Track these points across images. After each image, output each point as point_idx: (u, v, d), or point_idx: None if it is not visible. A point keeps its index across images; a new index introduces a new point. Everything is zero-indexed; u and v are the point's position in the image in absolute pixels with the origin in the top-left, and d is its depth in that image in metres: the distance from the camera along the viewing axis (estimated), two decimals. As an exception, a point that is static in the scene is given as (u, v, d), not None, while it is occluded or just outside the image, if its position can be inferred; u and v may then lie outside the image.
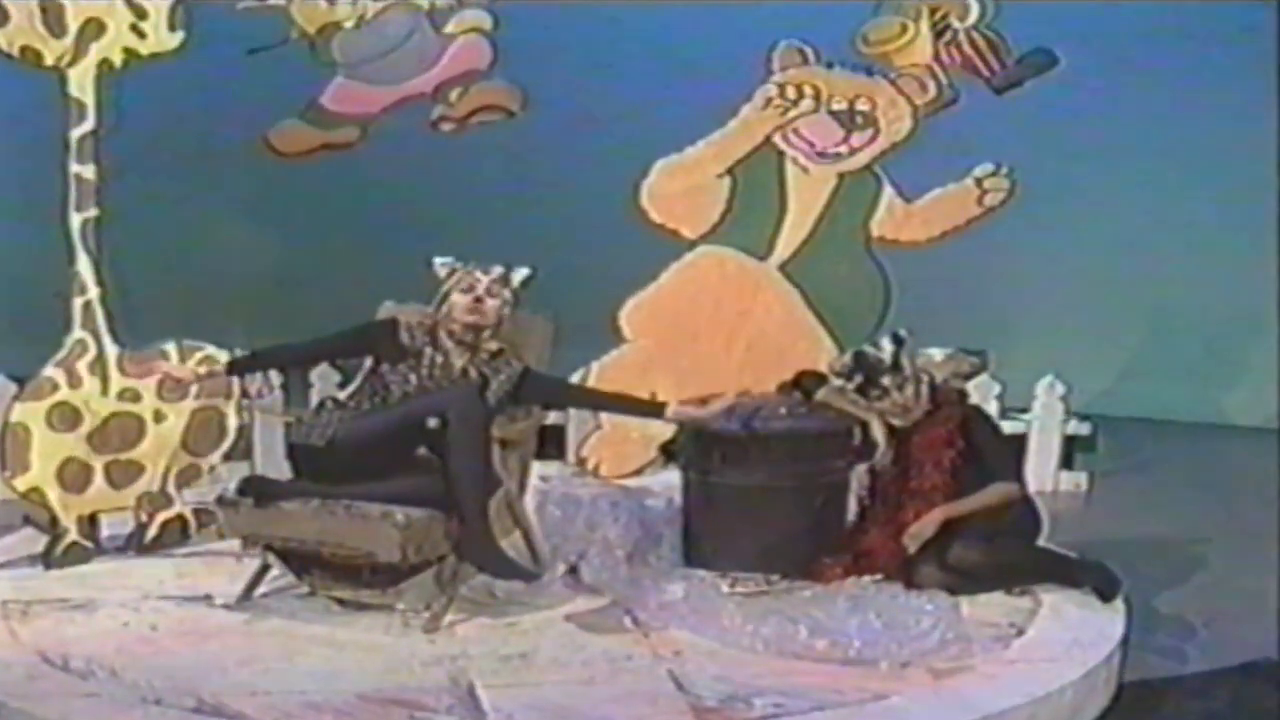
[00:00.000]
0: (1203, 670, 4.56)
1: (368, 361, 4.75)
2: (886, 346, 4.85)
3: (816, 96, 5.89)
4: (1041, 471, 6.31)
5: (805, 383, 5.02)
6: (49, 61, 4.86)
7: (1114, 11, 6.71)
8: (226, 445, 5.21)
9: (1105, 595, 4.69)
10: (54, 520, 4.95)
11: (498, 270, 4.72)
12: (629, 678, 4.16)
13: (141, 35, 4.95)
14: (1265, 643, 4.71)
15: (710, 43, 6.64)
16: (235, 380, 5.06)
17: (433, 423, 4.45)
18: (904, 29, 5.88)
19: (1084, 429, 6.60)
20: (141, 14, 4.94)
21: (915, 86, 5.88)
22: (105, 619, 4.50)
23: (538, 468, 5.18)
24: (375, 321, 4.83)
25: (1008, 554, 4.75)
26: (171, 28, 5.00)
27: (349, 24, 5.92)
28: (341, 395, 4.81)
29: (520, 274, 4.76)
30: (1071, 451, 6.58)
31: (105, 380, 4.99)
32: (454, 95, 6.06)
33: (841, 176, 5.96)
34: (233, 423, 5.20)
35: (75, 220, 4.93)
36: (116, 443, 5.01)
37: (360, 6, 5.91)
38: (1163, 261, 7.48)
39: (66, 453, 4.93)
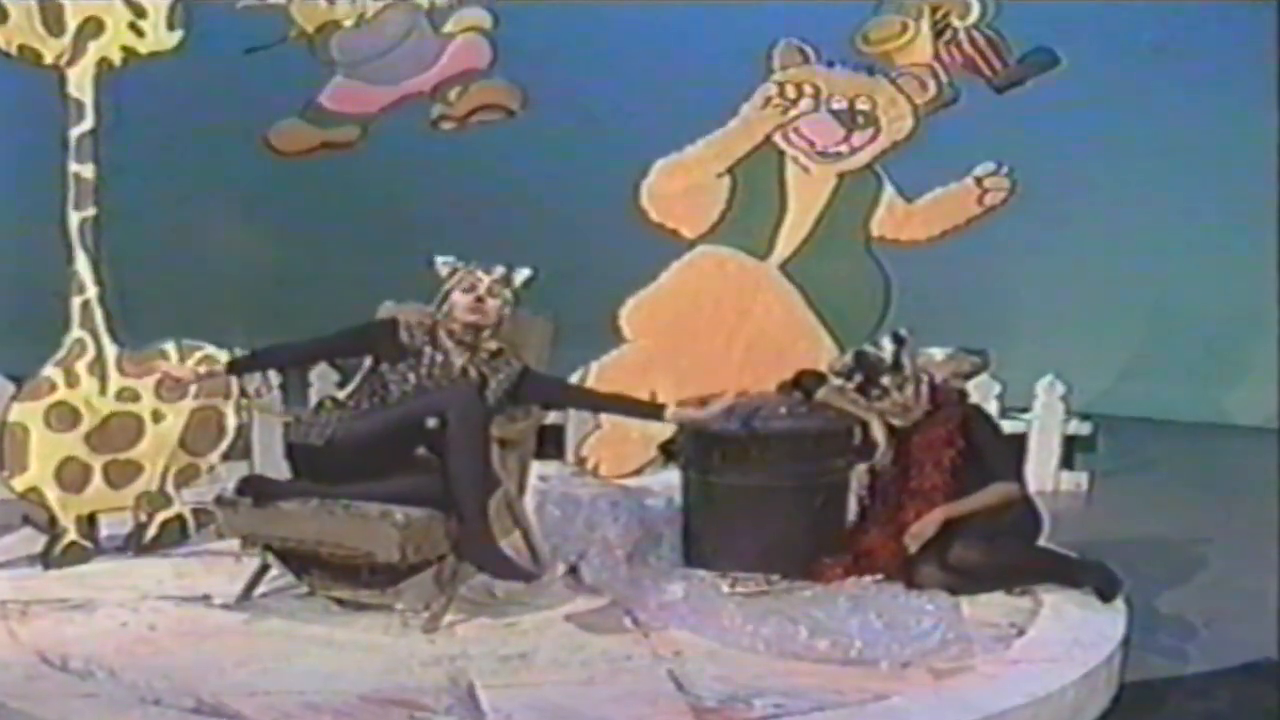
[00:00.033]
0: (1203, 670, 4.55)
1: (367, 361, 4.75)
2: (887, 346, 4.84)
3: (817, 95, 5.89)
4: (1042, 471, 6.31)
5: (805, 382, 5.01)
6: (48, 60, 4.86)
7: (1114, 11, 6.71)
8: (225, 445, 5.20)
9: (1106, 595, 4.69)
10: (53, 520, 4.95)
11: (499, 270, 4.72)
12: (629, 678, 4.16)
13: (140, 34, 4.94)
14: (1266, 643, 4.71)
15: (710, 42, 6.63)
16: (234, 380, 5.05)
17: (432, 422, 4.44)
18: (904, 28, 5.89)
19: (1084, 429, 6.60)
20: (140, 13, 4.94)
21: (916, 85, 5.88)
22: (104, 619, 4.49)
23: (537, 467, 5.18)
24: (375, 321, 4.82)
25: (1008, 554, 4.74)
26: (170, 26, 4.99)
27: (348, 23, 5.92)
28: (340, 395, 4.81)
29: (522, 274, 4.76)
30: (1072, 451, 6.58)
31: (104, 380, 4.99)
32: (453, 94, 6.06)
33: (842, 176, 5.96)
34: (231, 422, 5.19)
35: (74, 219, 4.93)
36: (115, 442, 5.00)
37: (359, 5, 5.91)
38: (1163, 261, 7.48)
39: (65, 452, 4.92)
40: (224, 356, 4.94)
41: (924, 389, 4.81)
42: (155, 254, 6.94)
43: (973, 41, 5.90)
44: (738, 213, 5.98)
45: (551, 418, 5.77)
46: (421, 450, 4.53)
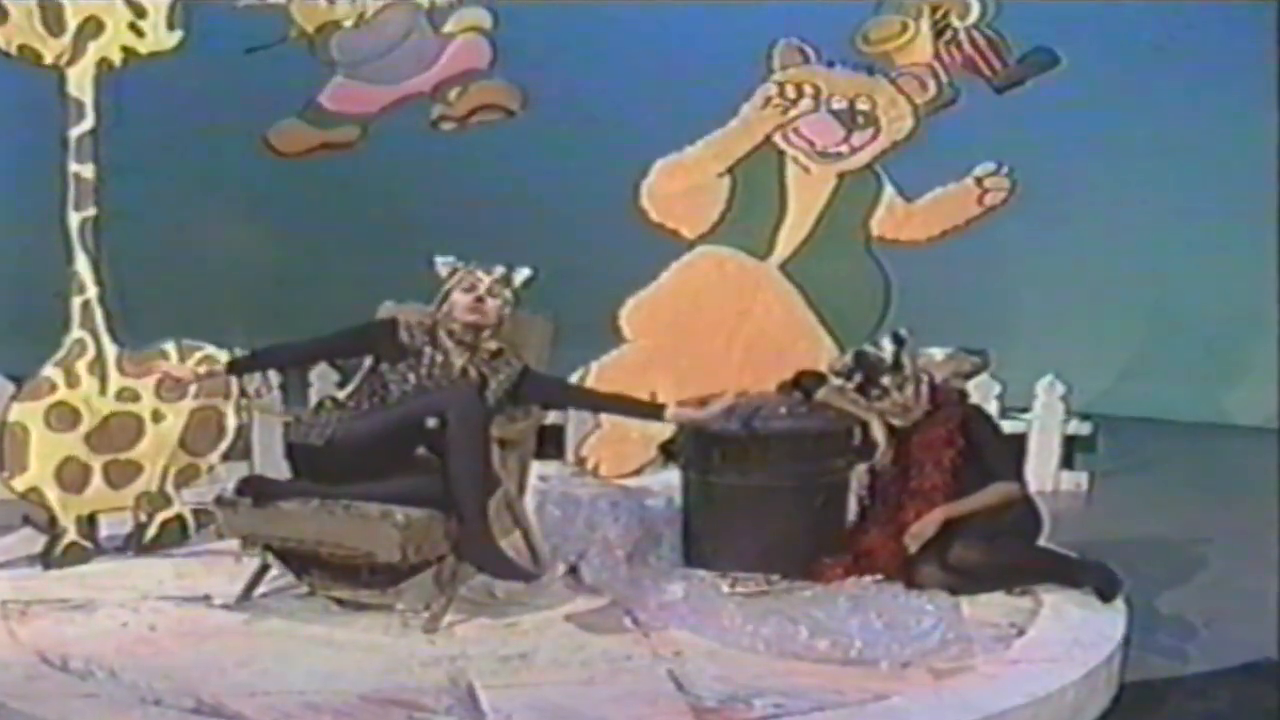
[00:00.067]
0: (1204, 670, 4.55)
1: (367, 361, 4.74)
2: (887, 346, 4.84)
3: (816, 95, 5.89)
4: (1042, 471, 6.31)
5: (805, 382, 5.01)
6: (48, 60, 4.86)
7: (1115, 11, 6.71)
8: (225, 445, 5.20)
9: (1106, 595, 4.69)
10: (53, 520, 4.95)
11: (500, 270, 4.71)
12: (629, 678, 4.15)
13: (140, 34, 4.94)
14: (1266, 643, 4.70)
15: (710, 41, 6.62)
16: (234, 380, 5.04)
17: (432, 422, 4.44)
18: (904, 28, 5.88)
19: (1084, 429, 6.59)
20: (140, 12, 4.94)
21: (916, 85, 5.88)
22: (104, 619, 4.49)
23: (537, 467, 5.17)
24: (374, 321, 4.82)
25: (1008, 554, 4.74)
26: (170, 26, 4.99)
27: (348, 23, 5.92)
28: (340, 395, 4.81)
29: (522, 274, 4.76)
30: (1072, 451, 6.57)
31: (104, 380, 4.98)
32: (453, 94, 6.06)
33: (842, 176, 5.96)
34: (231, 422, 5.19)
35: (74, 219, 4.92)
36: (115, 442, 5.00)
37: (359, 5, 5.91)
38: (1163, 261, 7.48)
39: (65, 452, 4.92)
40: (224, 356, 4.94)
41: (924, 389, 4.81)
42: (155, 254, 6.93)
43: (973, 41, 5.89)
44: (738, 213, 5.98)
45: (551, 418, 5.77)
46: (421, 450, 4.52)
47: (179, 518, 5.14)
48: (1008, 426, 5.79)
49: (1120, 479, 6.57)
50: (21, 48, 4.81)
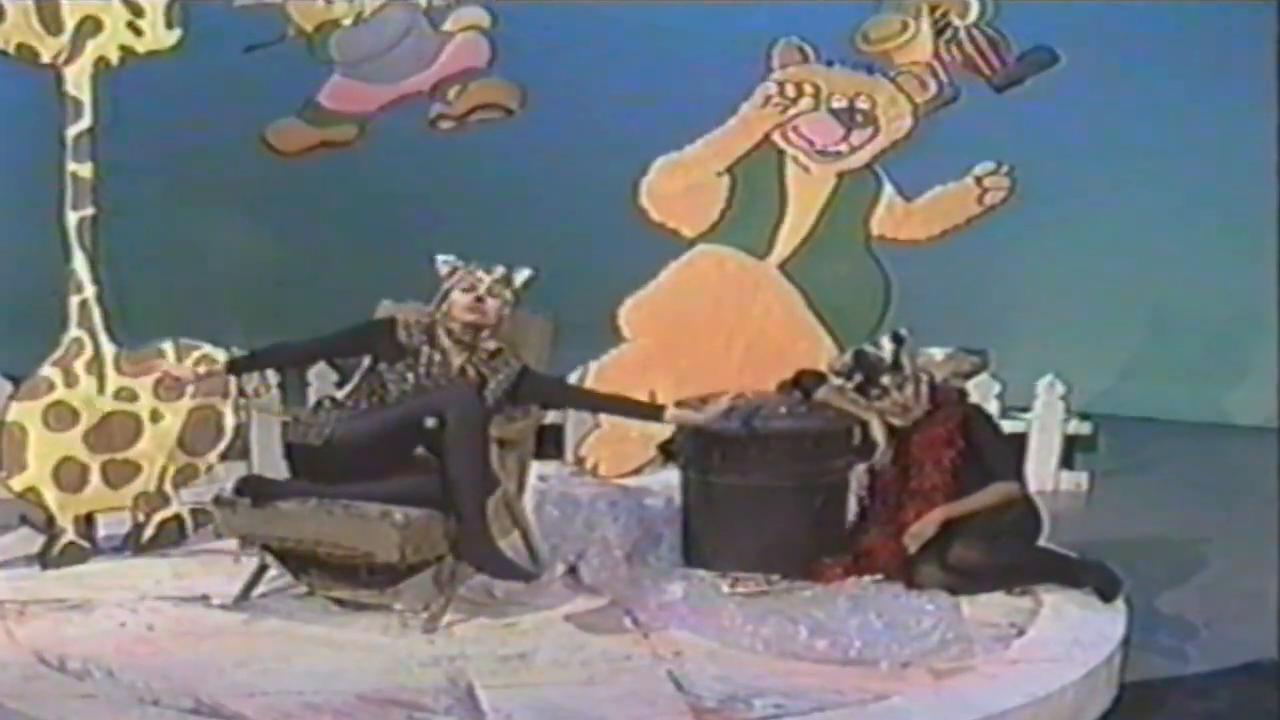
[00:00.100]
0: (1204, 670, 4.54)
1: (365, 360, 4.73)
2: (886, 345, 4.83)
3: (816, 94, 5.88)
4: (1042, 471, 6.30)
5: (805, 382, 5.01)
6: (45, 59, 4.85)
7: (1115, 10, 6.70)
8: (224, 445, 5.19)
9: (1106, 595, 4.68)
10: (50, 520, 4.94)
11: (500, 270, 4.70)
12: (628, 678, 4.15)
13: (138, 32, 4.93)
14: (1266, 643, 4.70)
15: (710, 40, 6.62)
16: (232, 379, 5.03)
17: (431, 422, 4.43)
18: (904, 27, 5.88)
19: (1085, 428, 6.59)
20: (138, 11, 4.93)
21: (915, 84, 5.87)
22: (102, 619, 4.48)
23: (536, 467, 5.17)
24: (373, 320, 4.81)
25: (1008, 554, 4.73)
26: (168, 25, 4.98)
27: (347, 21, 5.91)
28: (339, 394, 4.80)
29: (522, 274, 4.75)
30: (1072, 451, 6.56)
31: (102, 379, 4.97)
32: (452, 93, 6.05)
33: (841, 175, 5.96)
34: (230, 422, 5.18)
35: (72, 218, 4.91)
36: (113, 442, 4.99)
37: (358, 4, 5.90)
38: (1163, 260, 7.47)
39: (63, 452, 4.91)
40: (222, 356, 4.93)
41: (924, 389, 4.80)
42: (153, 253, 6.92)
43: (973, 40, 5.89)
44: (737, 212, 5.98)
45: (551, 417, 5.76)
46: (420, 450, 4.52)
47: (177, 517, 5.13)
48: (1008, 426, 5.78)
49: (1120, 479, 6.56)
50: (19, 46, 4.80)
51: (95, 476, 4.97)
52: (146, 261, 6.56)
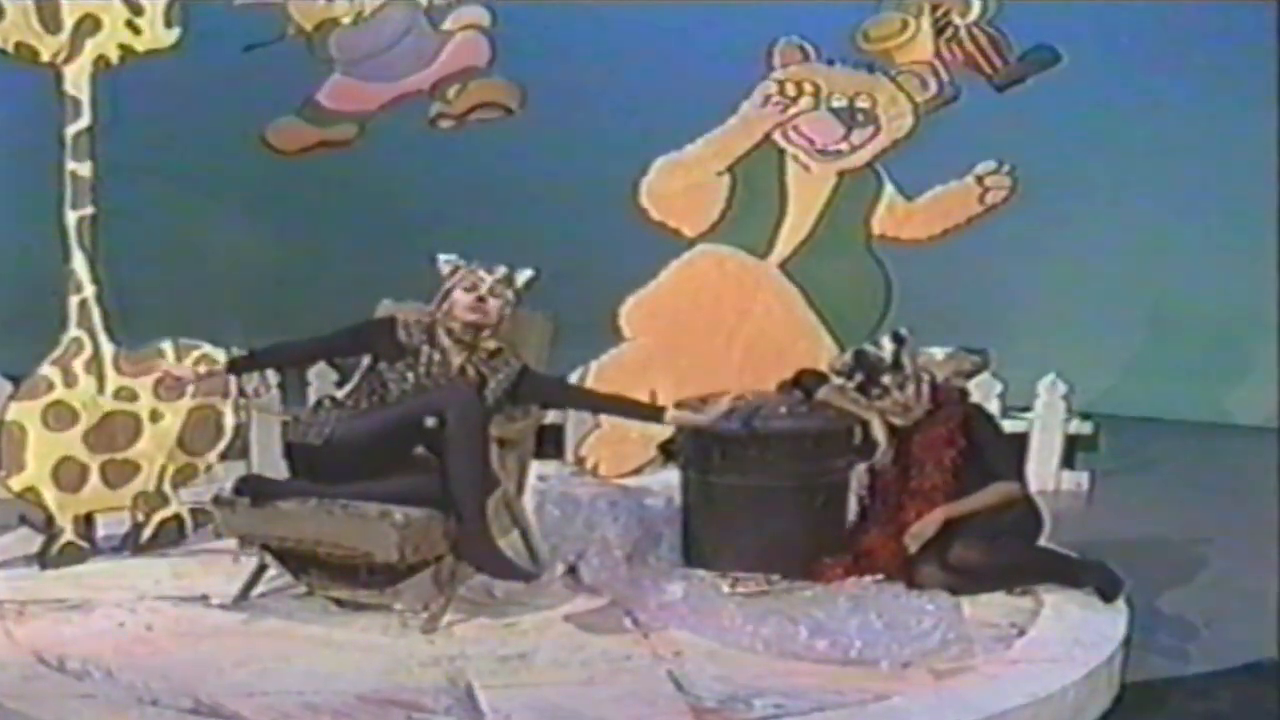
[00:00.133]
0: (1205, 671, 4.54)
1: (365, 360, 4.73)
2: (887, 345, 4.83)
3: (816, 94, 5.88)
4: (1043, 471, 6.29)
5: (805, 381, 5.00)
6: (44, 58, 4.84)
7: (1116, 9, 6.70)
8: (223, 444, 5.18)
9: (1107, 595, 4.67)
10: (50, 520, 4.93)
11: (502, 270, 4.69)
12: (628, 678, 4.14)
13: (137, 31, 4.92)
14: (1267, 643, 4.70)
15: (710, 40, 6.62)
16: (232, 379, 5.03)
17: (431, 422, 4.43)
18: (905, 25, 5.87)
19: (1086, 428, 6.58)
20: (137, 10, 4.92)
21: (916, 83, 5.87)
22: (101, 619, 4.48)
23: (536, 467, 5.16)
24: (373, 320, 4.80)
25: (1009, 554, 4.72)
26: (168, 24, 4.97)
27: (346, 20, 5.91)
28: (339, 394, 4.79)
29: (524, 275, 4.74)
30: (1073, 451, 6.55)
31: (101, 379, 4.97)
32: (452, 92, 6.05)
33: (842, 174, 5.95)
34: (229, 422, 5.17)
35: (71, 218, 4.90)
36: (113, 442, 4.98)
37: (358, 3, 5.90)
38: (1164, 260, 7.47)
39: (62, 452, 4.90)
40: (221, 355, 4.93)
41: (924, 388, 4.79)
42: (152, 253, 6.91)
43: (973, 39, 5.88)
44: (737, 211, 5.97)
45: (551, 417, 5.75)
46: (420, 450, 4.51)
47: (176, 517, 5.13)
48: (1009, 426, 5.77)
49: (1121, 478, 6.55)
50: (18, 45, 4.80)
51: (94, 476, 4.97)
52: (146, 261, 6.55)
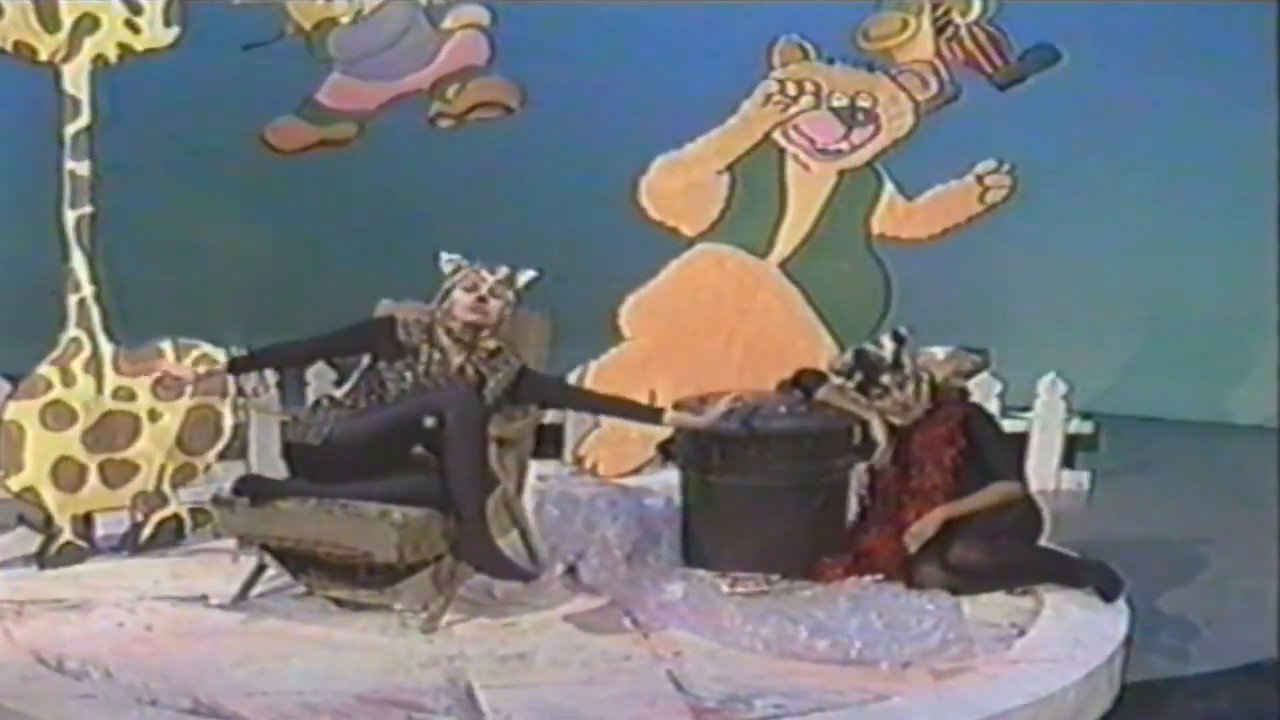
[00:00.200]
0: (1206, 671, 4.54)
1: (364, 359, 4.72)
2: (887, 344, 4.82)
3: (817, 93, 5.87)
4: (1043, 470, 6.28)
5: (805, 381, 5.00)
6: (43, 57, 4.83)
7: (1116, 8, 6.69)
8: (222, 444, 5.17)
9: (1107, 595, 4.67)
10: (48, 520, 4.92)
11: (503, 271, 4.68)
12: (628, 678, 4.14)
13: (136, 30, 4.91)
14: (1267, 643, 4.70)
15: (710, 39, 6.61)
16: (231, 379, 5.02)
17: (430, 422, 4.42)
18: (905, 24, 5.87)
19: (1086, 428, 6.57)
20: (136, 9, 4.91)
21: (917, 82, 5.86)
22: (100, 619, 4.47)
23: (535, 467, 5.16)
24: (372, 319, 4.80)
25: (1009, 554, 4.72)
26: (166, 23, 4.96)
27: (346, 19, 5.90)
28: (338, 393, 4.77)
29: (525, 275, 4.72)
30: (1073, 450, 6.55)
31: (100, 379, 4.96)
32: (451, 91, 6.04)
33: (842, 173, 5.95)
34: (228, 421, 5.16)
35: (70, 217, 4.90)
36: (111, 442, 4.98)
37: (357, 2, 5.89)
38: (1164, 260, 7.46)
39: (61, 452, 4.89)
40: (220, 355, 4.92)
41: (924, 388, 4.79)
42: (151, 252, 6.91)
43: (974, 38, 5.88)
44: (737, 211, 5.96)
45: (550, 417, 5.75)
46: (419, 449, 4.50)
47: (175, 517, 5.12)
48: (1009, 425, 5.77)
49: (1121, 478, 6.55)
50: (17, 44, 4.79)
51: (93, 476, 4.96)
52: (145, 260, 6.55)
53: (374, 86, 6.00)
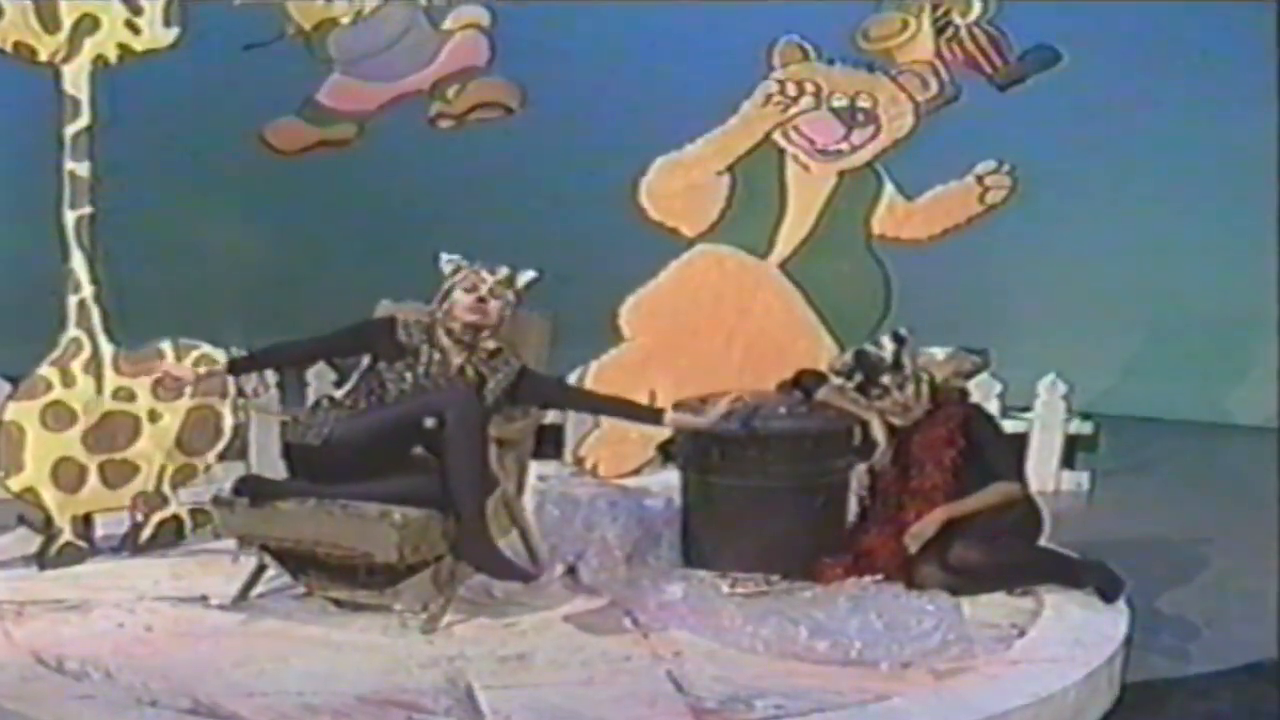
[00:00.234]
0: (1206, 671, 4.53)
1: (364, 360, 4.72)
2: (887, 345, 4.82)
3: (817, 93, 5.87)
4: (1043, 471, 6.28)
5: (805, 382, 4.99)
6: (43, 57, 4.83)
7: (1116, 9, 6.69)
8: (222, 444, 5.17)
9: (1107, 595, 4.67)
10: (48, 520, 4.92)
11: (504, 271, 4.68)
12: (628, 679, 4.13)
13: (136, 31, 4.91)
14: (1268, 643, 4.70)
15: (710, 39, 6.60)
16: (231, 379, 5.02)
17: (430, 422, 4.42)
18: (905, 25, 5.86)
19: (1086, 428, 6.57)
20: (136, 9, 4.91)
21: (917, 83, 5.86)
22: (100, 620, 4.47)
23: (535, 467, 5.16)
24: (372, 319, 4.80)
25: (1009, 554, 4.72)
26: (166, 23, 4.96)
27: (346, 20, 5.90)
28: (338, 394, 4.77)
29: (526, 276, 4.72)
30: (1073, 451, 6.55)
31: (100, 379, 4.96)
32: (451, 92, 6.04)
33: (842, 174, 5.95)
34: (228, 422, 5.16)
35: (70, 217, 4.90)
36: (111, 442, 4.97)
37: (357, 2, 5.89)
38: (1164, 260, 7.46)
39: (61, 452, 4.89)
40: (220, 355, 4.92)
41: (924, 388, 4.79)
42: (151, 252, 6.91)
43: (974, 38, 5.88)
44: (737, 211, 5.96)
45: (550, 417, 5.74)
46: (419, 450, 4.50)
47: (175, 518, 5.12)
48: (1009, 426, 5.78)
49: (1121, 478, 6.55)
50: (16, 45, 4.79)
51: (93, 477, 4.96)
52: (145, 260, 6.55)
53: (374, 87, 6.00)
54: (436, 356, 4.63)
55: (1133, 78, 7.11)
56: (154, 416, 5.03)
